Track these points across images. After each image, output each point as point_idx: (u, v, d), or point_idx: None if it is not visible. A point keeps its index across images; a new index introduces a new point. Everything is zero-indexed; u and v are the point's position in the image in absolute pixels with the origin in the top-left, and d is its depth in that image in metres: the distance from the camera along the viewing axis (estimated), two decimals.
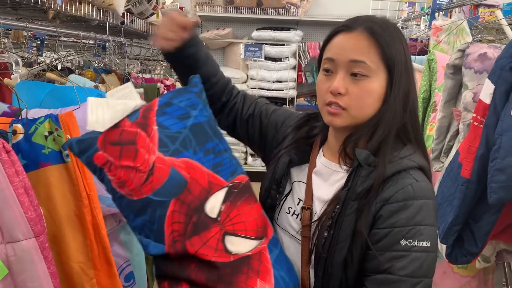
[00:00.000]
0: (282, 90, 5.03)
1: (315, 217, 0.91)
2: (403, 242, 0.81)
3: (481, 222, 1.17)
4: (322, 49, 0.93)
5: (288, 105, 5.10)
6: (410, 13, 3.54)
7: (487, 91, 1.13)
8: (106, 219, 1.40)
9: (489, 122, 1.12)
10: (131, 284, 1.56)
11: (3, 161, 0.93)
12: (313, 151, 0.99)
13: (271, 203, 1.00)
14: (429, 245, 0.82)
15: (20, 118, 1.26)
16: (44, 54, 2.33)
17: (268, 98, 5.06)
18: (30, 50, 2.30)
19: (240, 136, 1.17)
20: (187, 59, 1.07)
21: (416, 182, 0.84)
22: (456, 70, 1.42)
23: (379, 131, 0.87)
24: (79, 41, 2.52)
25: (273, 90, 5.06)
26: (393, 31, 0.89)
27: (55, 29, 1.62)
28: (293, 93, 5.04)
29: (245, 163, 5.19)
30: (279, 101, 5.11)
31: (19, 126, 1.23)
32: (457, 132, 1.45)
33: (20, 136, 1.22)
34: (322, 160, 0.96)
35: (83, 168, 1.29)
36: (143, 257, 1.62)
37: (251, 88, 5.06)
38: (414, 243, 0.81)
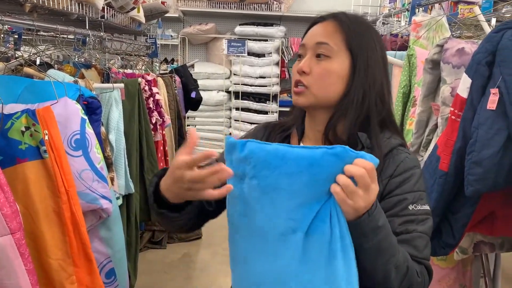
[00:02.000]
0: (266, 86, 5.03)
1: None
2: (410, 207, 0.89)
3: (459, 214, 1.19)
4: (302, 39, 1.01)
5: (272, 101, 5.11)
6: (392, 9, 3.57)
7: (464, 86, 1.15)
8: (86, 215, 1.39)
9: (466, 116, 1.14)
10: (112, 280, 1.55)
11: None
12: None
13: None
14: (428, 208, 0.91)
15: None
16: (22, 49, 2.28)
17: (251, 94, 5.08)
18: (7, 44, 2.25)
19: None
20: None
21: (408, 155, 0.93)
22: (434, 65, 1.44)
23: (351, 114, 0.93)
24: (58, 35, 2.47)
25: (256, 85, 5.05)
26: (362, 25, 0.97)
27: (32, 23, 1.59)
28: (276, 88, 5.05)
29: None
30: (263, 97, 5.11)
31: None
32: (435, 126, 1.47)
33: None
34: None
35: (62, 164, 1.27)
36: (124, 253, 1.61)
37: (235, 83, 5.05)
38: (418, 207, 0.89)
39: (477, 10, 1.89)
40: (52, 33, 2.41)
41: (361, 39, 0.94)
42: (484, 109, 1.07)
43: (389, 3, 4.35)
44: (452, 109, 1.19)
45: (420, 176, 0.92)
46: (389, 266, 0.80)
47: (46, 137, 1.24)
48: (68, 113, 1.38)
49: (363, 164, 0.73)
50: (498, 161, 1.06)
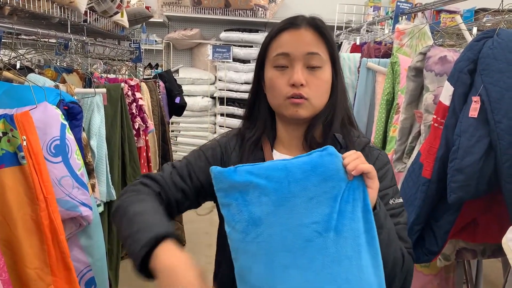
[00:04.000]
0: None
1: None
2: (391, 202, 0.93)
3: (442, 221, 1.20)
4: (266, 47, 0.98)
5: None
6: (375, 17, 3.61)
7: (446, 93, 1.16)
8: (65, 223, 1.36)
9: (448, 123, 1.15)
10: None
11: None
12: (265, 154, 0.98)
13: None
14: (402, 200, 0.95)
15: None
16: (1, 52, 2.24)
17: (236, 99, 5.08)
18: None
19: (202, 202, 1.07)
20: None
21: (380, 152, 0.98)
22: (417, 72, 1.45)
23: (338, 118, 0.96)
24: (39, 39, 2.43)
25: (241, 91, 5.05)
26: (329, 29, 0.99)
27: (11, 26, 1.55)
28: None
29: None
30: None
31: None
32: (419, 133, 1.48)
33: None
34: (279, 156, 0.97)
35: (40, 170, 1.24)
36: (105, 262, 1.57)
37: (219, 89, 5.04)
38: (397, 200, 0.94)
39: (458, 19, 1.92)
40: (34, 36, 2.37)
41: (334, 45, 0.98)
42: (466, 117, 1.08)
43: (373, 11, 4.40)
44: (435, 116, 1.20)
45: (392, 170, 0.98)
46: (397, 253, 0.86)
47: (24, 143, 1.21)
48: (47, 118, 1.35)
49: (353, 154, 0.80)
50: (480, 168, 1.06)
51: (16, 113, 1.25)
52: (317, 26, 0.96)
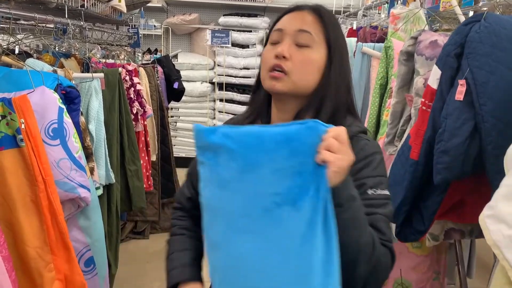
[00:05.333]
0: (250, 77, 5.03)
1: None
2: (370, 192, 0.90)
3: (428, 201, 1.23)
4: (271, 29, 1.01)
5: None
6: (373, 2, 3.60)
7: (434, 77, 1.18)
8: (64, 204, 1.39)
9: (435, 106, 1.17)
10: (91, 269, 1.56)
11: None
12: None
13: None
14: (388, 193, 0.92)
15: None
16: None
17: (235, 85, 5.08)
18: None
19: None
20: None
21: (368, 141, 0.95)
22: (409, 56, 1.47)
23: (328, 105, 0.94)
24: (37, 24, 2.45)
25: (240, 77, 5.05)
26: (336, 20, 1.00)
27: (8, 11, 1.57)
28: None
29: None
30: (247, 88, 5.11)
31: None
32: (410, 117, 1.50)
33: None
34: None
35: (39, 153, 1.28)
36: (103, 242, 1.62)
37: (219, 74, 5.04)
38: (378, 192, 0.90)
39: (454, 2, 1.92)
40: (32, 22, 2.38)
41: (336, 33, 0.97)
42: (452, 100, 1.11)
43: None
44: (423, 100, 1.23)
45: (380, 161, 0.94)
46: (362, 240, 0.82)
47: (23, 126, 1.24)
48: (45, 102, 1.38)
49: (337, 129, 0.77)
50: (465, 150, 1.09)
51: (14, 97, 1.28)
52: (318, 10, 0.98)
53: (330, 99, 0.95)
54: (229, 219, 0.82)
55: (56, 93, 1.43)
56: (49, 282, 1.27)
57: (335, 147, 0.76)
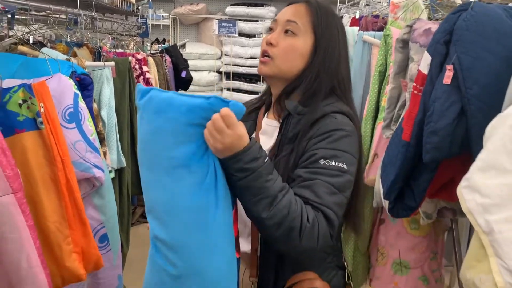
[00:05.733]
0: (256, 67, 5.09)
1: None
2: (321, 162, 0.97)
3: (419, 180, 1.31)
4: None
5: (262, 82, 5.20)
6: None
7: (425, 63, 1.26)
8: (80, 183, 1.49)
9: (426, 90, 1.25)
10: (105, 245, 1.66)
11: None
12: (258, 118, 1.14)
13: None
14: (345, 167, 0.98)
15: None
16: (14, 28, 2.35)
17: (242, 74, 5.16)
18: (1, 24, 2.31)
19: None
20: None
21: (334, 119, 1.02)
22: (404, 44, 1.54)
23: (307, 87, 1.05)
24: (50, 15, 2.54)
25: (247, 66, 5.13)
26: (329, 14, 1.10)
27: (26, 2, 1.67)
28: None
29: None
30: (253, 78, 5.19)
31: None
32: (405, 102, 1.58)
33: None
34: (266, 121, 1.12)
35: (57, 134, 1.37)
36: (116, 220, 1.72)
37: (226, 64, 5.12)
38: (331, 163, 0.97)
39: None
40: (44, 12, 2.48)
41: (325, 25, 1.08)
42: (441, 84, 1.18)
43: None
44: (414, 84, 1.30)
45: (341, 137, 1.00)
46: (259, 205, 0.91)
47: (42, 110, 1.34)
48: (61, 88, 1.47)
49: (222, 111, 0.86)
50: (452, 131, 1.17)
51: (34, 82, 1.37)
52: (310, 2, 1.09)
53: (310, 82, 1.05)
54: (145, 170, 0.97)
55: (71, 80, 1.52)
56: (68, 254, 1.37)
57: (215, 126, 0.86)
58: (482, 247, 0.87)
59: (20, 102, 1.32)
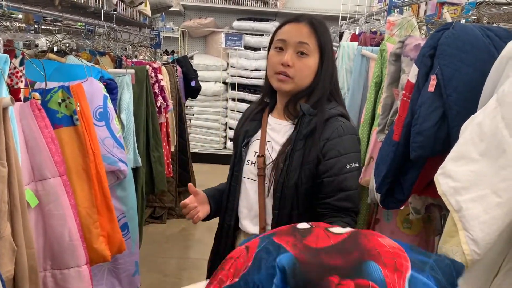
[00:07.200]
0: (261, 78, 5.31)
1: (270, 159, 1.25)
2: (347, 166, 1.20)
3: (407, 175, 1.49)
4: (274, 34, 1.30)
5: None
6: (380, 9, 3.85)
7: (413, 73, 1.45)
8: (107, 175, 1.68)
9: (413, 97, 1.43)
10: (126, 233, 1.84)
11: (36, 116, 1.20)
12: (263, 117, 1.33)
13: (238, 166, 1.36)
14: (357, 165, 1.23)
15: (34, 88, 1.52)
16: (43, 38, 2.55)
17: (247, 85, 5.37)
18: (32, 32, 2.52)
19: None
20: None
21: (343, 123, 1.24)
22: (397, 57, 1.74)
23: (316, 94, 1.26)
24: (70, 26, 2.76)
25: (252, 78, 5.34)
26: (325, 29, 1.29)
27: (61, 14, 1.87)
28: None
29: (225, 147, 5.48)
30: (258, 89, 5.39)
31: (37, 94, 1.50)
32: (397, 109, 1.77)
33: (39, 102, 1.48)
34: (272, 119, 1.31)
35: (90, 131, 1.56)
36: (135, 211, 1.90)
37: (231, 75, 5.33)
38: (352, 165, 1.21)
39: (447, 16, 2.18)
40: (68, 23, 2.68)
41: (326, 41, 1.27)
42: (426, 92, 1.37)
43: (378, 3, 4.63)
44: (404, 92, 1.49)
45: (352, 139, 1.24)
46: None
47: (78, 108, 1.53)
48: (93, 90, 1.67)
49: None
50: (435, 132, 1.35)
51: (71, 85, 1.57)
52: (312, 23, 1.26)
53: (318, 90, 1.26)
54: None
55: (101, 83, 1.72)
56: (96, 237, 1.54)
57: None
58: (454, 225, 1.04)
59: (60, 101, 1.51)
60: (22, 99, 1.41)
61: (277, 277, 0.74)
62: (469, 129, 1.07)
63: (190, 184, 1.30)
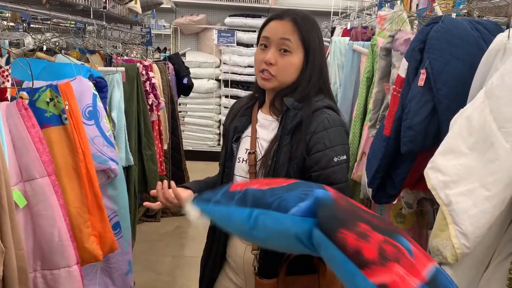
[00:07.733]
0: (254, 75, 5.29)
1: (260, 156, 1.24)
2: (335, 159, 1.17)
3: (399, 170, 1.49)
4: (260, 31, 1.28)
5: None
6: (372, 3, 3.85)
7: (403, 68, 1.45)
8: (98, 174, 1.66)
9: (403, 92, 1.43)
10: (118, 232, 1.83)
11: (23, 115, 1.19)
12: (253, 113, 1.32)
13: (229, 163, 1.34)
14: (345, 157, 1.20)
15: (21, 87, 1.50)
16: (31, 36, 2.52)
17: (240, 82, 5.36)
18: (20, 31, 2.49)
19: None
20: None
21: (329, 116, 1.22)
22: (387, 52, 1.73)
23: (301, 90, 1.25)
24: (60, 24, 2.73)
25: (245, 74, 5.32)
26: (311, 24, 1.25)
27: (48, 12, 1.85)
28: None
29: (218, 144, 5.47)
30: (251, 85, 5.38)
31: (24, 93, 1.48)
32: (388, 104, 1.76)
33: (26, 102, 1.47)
34: (261, 115, 1.31)
35: (79, 129, 1.55)
36: (127, 210, 1.89)
37: (224, 72, 5.31)
38: (340, 158, 1.18)
39: (438, 10, 2.18)
40: (50, 21, 2.65)
41: (311, 37, 1.24)
42: (416, 86, 1.37)
43: None
44: (394, 86, 1.49)
45: (339, 132, 1.20)
46: None
47: (67, 107, 1.51)
48: (82, 89, 1.65)
49: None
50: (425, 126, 1.35)
51: (59, 83, 1.55)
52: (295, 19, 1.23)
53: (304, 86, 1.24)
54: None
55: (90, 82, 1.70)
56: (87, 237, 1.53)
57: None
58: (444, 219, 1.04)
59: (48, 100, 1.50)
60: (9, 98, 1.39)
61: (306, 202, 0.77)
62: (458, 123, 1.07)
63: (172, 182, 1.27)
